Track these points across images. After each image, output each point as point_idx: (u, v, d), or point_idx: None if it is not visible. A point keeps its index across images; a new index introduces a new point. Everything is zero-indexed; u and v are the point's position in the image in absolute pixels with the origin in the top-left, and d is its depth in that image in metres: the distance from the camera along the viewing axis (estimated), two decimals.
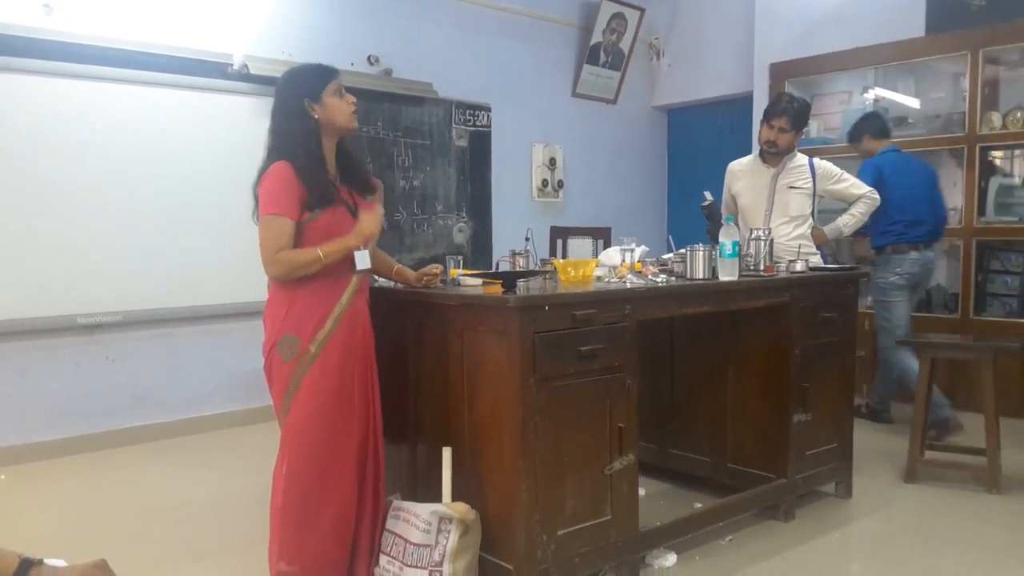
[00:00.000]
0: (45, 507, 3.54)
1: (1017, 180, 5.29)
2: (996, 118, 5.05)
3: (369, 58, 5.48)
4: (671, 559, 2.85)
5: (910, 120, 5.55)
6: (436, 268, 2.78)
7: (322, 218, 2.40)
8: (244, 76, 4.80)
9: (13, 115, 4.06)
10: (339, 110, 2.46)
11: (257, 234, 2.38)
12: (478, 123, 6.00)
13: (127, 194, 4.41)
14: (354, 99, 2.50)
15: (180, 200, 4.59)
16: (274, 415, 2.49)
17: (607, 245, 4.75)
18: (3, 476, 3.92)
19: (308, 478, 2.40)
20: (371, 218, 2.43)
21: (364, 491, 2.52)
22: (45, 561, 1.34)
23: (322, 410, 2.41)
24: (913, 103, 5.67)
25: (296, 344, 2.39)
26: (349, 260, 2.44)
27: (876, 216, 4.17)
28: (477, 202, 6.03)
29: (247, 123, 4.72)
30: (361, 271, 2.47)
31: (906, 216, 4.51)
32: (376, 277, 2.82)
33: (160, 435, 4.56)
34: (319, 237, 2.39)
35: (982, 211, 5.13)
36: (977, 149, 5.07)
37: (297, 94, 2.45)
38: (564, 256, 4.05)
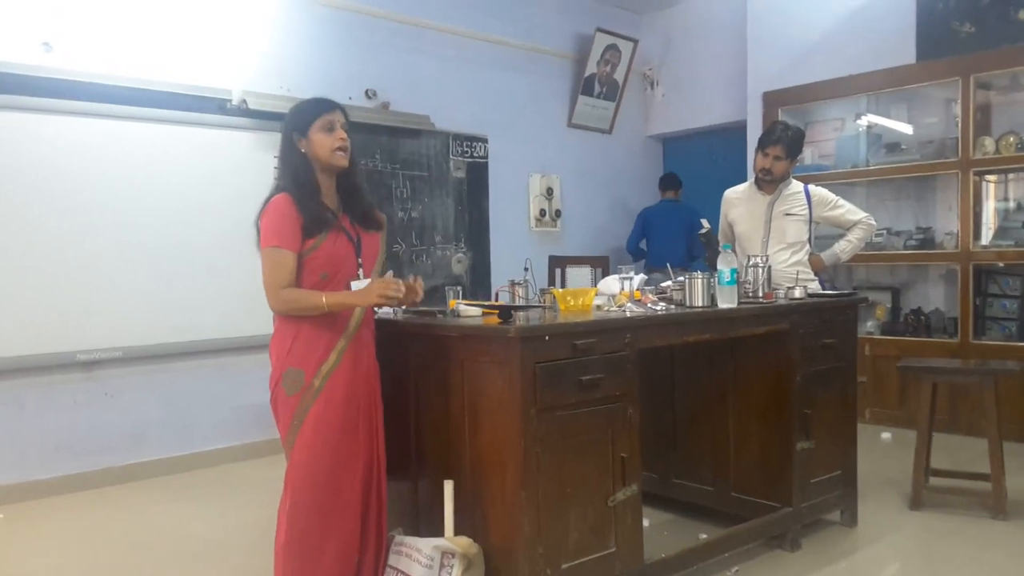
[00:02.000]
0: (44, 546, 3.50)
1: (1012, 204, 5.33)
2: (989, 143, 5.10)
3: (367, 92, 5.53)
4: None
5: (903, 146, 5.59)
6: (395, 284, 2.39)
7: (323, 247, 2.41)
8: (243, 111, 4.83)
9: (13, 153, 4.07)
10: (322, 146, 2.44)
11: (259, 267, 2.39)
12: (475, 154, 6.05)
13: (126, 230, 4.41)
14: (344, 136, 2.46)
15: (179, 235, 4.59)
16: (277, 449, 2.48)
17: (605, 273, 4.77)
18: (1, 515, 3.88)
19: (311, 512, 2.39)
20: (382, 286, 2.36)
21: (367, 526, 2.50)
22: None
23: (326, 444, 2.40)
24: (906, 129, 5.72)
25: (300, 377, 2.39)
26: None
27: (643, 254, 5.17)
28: (475, 233, 6.06)
29: (246, 158, 4.76)
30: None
31: (662, 254, 5.62)
32: (377, 309, 2.81)
33: (160, 471, 4.53)
34: (320, 266, 2.40)
35: (977, 235, 5.16)
36: (971, 174, 5.11)
37: (289, 128, 2.49)
38: (563, 285, 4.06)
